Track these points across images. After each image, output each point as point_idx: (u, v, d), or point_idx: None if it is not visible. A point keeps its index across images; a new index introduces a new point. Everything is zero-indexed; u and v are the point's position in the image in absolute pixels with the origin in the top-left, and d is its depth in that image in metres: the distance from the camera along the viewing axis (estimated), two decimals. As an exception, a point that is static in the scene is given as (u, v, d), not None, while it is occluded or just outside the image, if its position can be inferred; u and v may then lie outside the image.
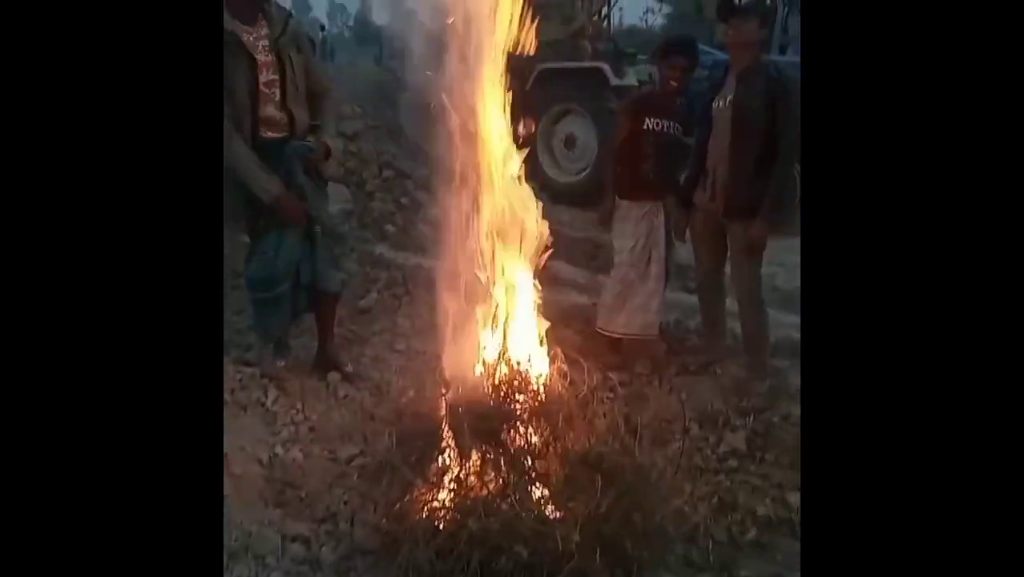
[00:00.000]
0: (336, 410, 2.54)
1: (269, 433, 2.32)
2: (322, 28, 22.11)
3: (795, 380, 2.74)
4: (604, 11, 7.89)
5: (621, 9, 8.29)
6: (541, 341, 2.01)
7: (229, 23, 2.19)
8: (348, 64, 16.38)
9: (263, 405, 2.46)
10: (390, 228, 4.90)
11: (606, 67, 6.05)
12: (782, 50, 7.26)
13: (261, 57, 2.32)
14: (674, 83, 2.86)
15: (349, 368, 2.78)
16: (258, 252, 2.47)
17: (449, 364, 1.91)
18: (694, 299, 3.95)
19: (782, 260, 4.34)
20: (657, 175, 2.94)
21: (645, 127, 2.92)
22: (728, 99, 2.52)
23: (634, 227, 2.97)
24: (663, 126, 2.92)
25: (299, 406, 2.49)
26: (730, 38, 2.50)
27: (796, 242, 4.60)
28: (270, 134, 2.40)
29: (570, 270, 4.42)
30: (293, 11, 2.67)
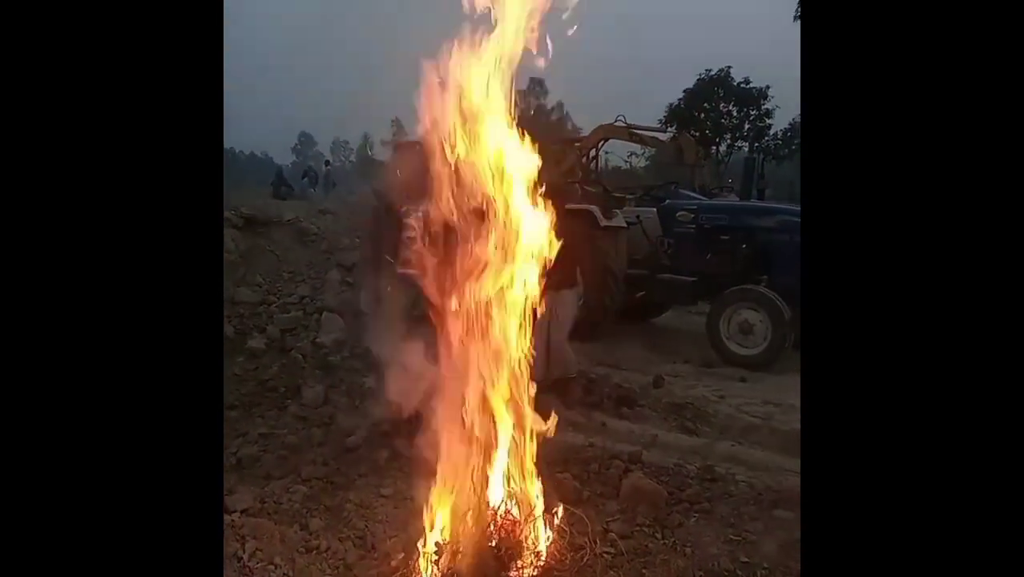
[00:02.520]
0: (316, 564, 2.36)
1: (242, 594, 2.13)
2: (327, 163, 23.35)
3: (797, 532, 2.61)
4: (592, 153, 8.41)
5: (607, 153, 8.82)
6: (539, 497, 1.91)
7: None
8: (349, 195, 17.14)
9: (239, 560, 2.28)
10: (383, 359, 4.84)
11: (595, 209, 6.32)
12: (760, 194, 7.69)
13: None
14: None
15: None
16: None
17: (441, 522, 1.80)
18: (693, 440, 3.86)
19: (779, 400, 4.30)
20: None
21: None
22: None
23: None
24: None
25: (277, 561, 2.31)
26: None
27: (788, 380, 4.53)
28: None
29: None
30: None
